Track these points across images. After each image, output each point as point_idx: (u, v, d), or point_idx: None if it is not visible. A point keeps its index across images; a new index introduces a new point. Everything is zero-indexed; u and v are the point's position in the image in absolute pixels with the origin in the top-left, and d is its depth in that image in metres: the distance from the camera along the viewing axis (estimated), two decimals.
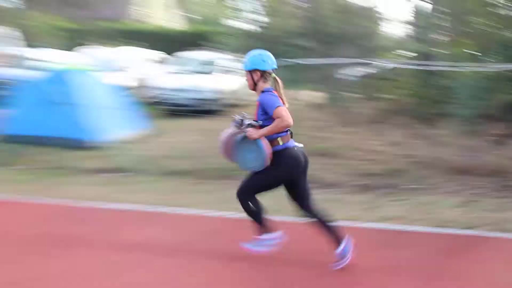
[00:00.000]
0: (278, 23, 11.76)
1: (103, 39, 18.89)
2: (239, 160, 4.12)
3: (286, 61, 7.65)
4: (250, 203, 4.19)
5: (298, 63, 8.60)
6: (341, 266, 3.99)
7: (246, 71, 4.12)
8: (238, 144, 4.06)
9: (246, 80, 4.12)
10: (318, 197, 4.84)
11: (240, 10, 12.83)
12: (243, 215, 4.28)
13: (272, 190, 4.17)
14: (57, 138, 8.63)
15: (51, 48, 15.75)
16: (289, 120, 3.88)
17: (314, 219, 4.11)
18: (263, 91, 4.05)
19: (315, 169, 6.23)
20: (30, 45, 17.50)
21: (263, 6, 12.44)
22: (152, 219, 5.72)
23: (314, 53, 10.39)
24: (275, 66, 4.15)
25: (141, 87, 13.29)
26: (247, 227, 4.34)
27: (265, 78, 4.07)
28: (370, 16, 11.90)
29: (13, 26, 17.46)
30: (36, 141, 8.87)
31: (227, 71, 12.99)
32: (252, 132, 3.93)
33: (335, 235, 4.01)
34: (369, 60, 9.82)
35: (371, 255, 4.21)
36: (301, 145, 4.20)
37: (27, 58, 14.52)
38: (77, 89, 9.29)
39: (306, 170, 4.18)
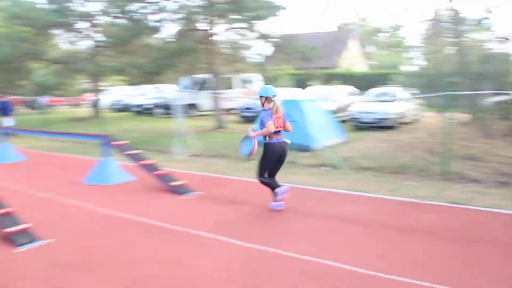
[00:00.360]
0: (435, 66, 14.22)
1: (319, 80, 24.42)
2: (239, 149, 6.64)
3: (441, 94, 9.21)
4: (265, 180, 6.57)
5: (451, 94, 9.34)
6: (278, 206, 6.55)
7: (259, 96, 6.46)
8: (242, 140, 6.60)
9: (260, 101, 6.45)
10: (467, 190, 7.61)
11: (409, 58, 16.34)
12: (410, 199, 7.01)
13: (269, 168, 6.53)
14: (292, 144, 10.18)
15: (285, 87, 21.55)
16: (271, 129, 6.12)
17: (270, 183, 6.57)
18: (263, 109, 6.34)
19: (464, 169, 8.73)
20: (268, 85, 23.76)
21: (424, 54, 15.68)
22: (348, 199, 7.26)
23: (462, 86, 12.49)
24: (275, 94, 6.34)
25: (340, 110, 16.66)
26: (411, 208, 6.56)
27: (268, 101, 6.34)
28: (505, 58, 13.43)
29: (258, 72, 22.56)
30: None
31: (399, 99, 15.90)
32: (251, 133, 6.38)
33: (275, 186, 6.55)
34: (504, 92, 11.51)
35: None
36: (288, 141, 6.55)
37: None
38: (305, 112, 11.52)
39: (283, 159, 6.51)
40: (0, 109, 18.30)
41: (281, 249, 5.11)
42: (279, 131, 6.42)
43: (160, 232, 5.90)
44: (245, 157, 6.77)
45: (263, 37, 17.39)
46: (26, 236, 5.63)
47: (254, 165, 9.78)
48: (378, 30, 61.76)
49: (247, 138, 6.54)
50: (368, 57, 46.17)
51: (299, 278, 4.41)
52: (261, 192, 7.60)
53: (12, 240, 5.53)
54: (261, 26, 17.11)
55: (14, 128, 16.59)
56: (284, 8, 16.79)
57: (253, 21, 16.52)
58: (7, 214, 5.91)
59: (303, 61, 18.08)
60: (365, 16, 63.95)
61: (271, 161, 6.50)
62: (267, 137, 6.36)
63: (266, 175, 6.63)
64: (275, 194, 6.61)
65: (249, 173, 9.32)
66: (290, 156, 9.30)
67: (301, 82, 24.93)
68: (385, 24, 61.21)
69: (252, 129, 6.48)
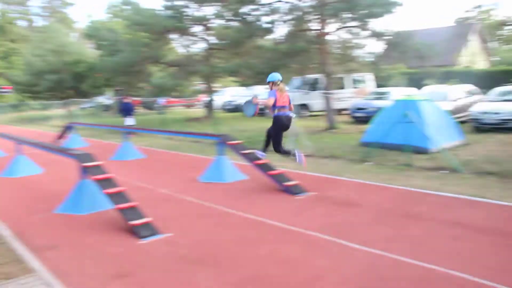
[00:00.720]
0: None
1: (436, 79, 23.26)
2: (245, 110, 8.40)
3: None
4: (282, 151, 8.25)
5: None
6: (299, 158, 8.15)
7: (268, 82, 8.13)
8: (246, 103, 8.31)
9: (269, 85, 8.08)
10: None
11: None
12: None
13: (281, 137, 8.14)
14: (405, 145, 10.08)
15: (399, 86, 20.91)
16: (270, 103, 7.83)
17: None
18: (271, 90, 8.03)
19: None
20: (379, 84, 23.08)
21: None
22: (469, 205, 6.78)
23: None
24: (280, 79, 8.04)
25: (458, 110, 15.66)
26: None
27: (274, 85, 8.00)
28: None
29: (370, 72, 21.98)
30: (386, 146, 10.86)
31: None
32: (255, 99, 8.13)
33: (289, 152, 8.29)
34: None
35: None
36: (293, 115, 8.15)
37: (378, 93, 19.88)
38: (422, 112, 11.05)
39: (287, 128, 8.08)
40: (123, 110, 19.73)
41: (398, 255, 4.92)
42: (283, 106, 8.02)
43: (275, 232, 5.96)
44: (250, 117, 8.72)
45: (376, 35, 16.91)
46: (148, 229, 5.98)
47: (369, 167, 9.91)
48: (502, 23, 57.28)
49: (251, 102, 8.27)
50: (490, 53, 43.01)
51: (418, 285, 4.22)
52: (375, 194, 7.46)
53: (136, 232, 5.90)
54: (375, 24, 16.64)
55: (135, 127, 17.75)
56: (400, 4, 16.09)
57: (366, 19, 16.10)
58: (132, 207, 6.32)
59: (419, 59, 17.28)
60: (488, 8, 59.10)
61: (280, 130, 8.18)
62: (276, 111, 7.97)
63: (282, 147, 8.35)
64: (295, 156, 8.34)
65: (363, 175, 9.17)
66: (405, 158, 9.90)
67: (416, 81, 23.79)
68: (510, 17, 56.35)
69: (256, 96, 8.35)
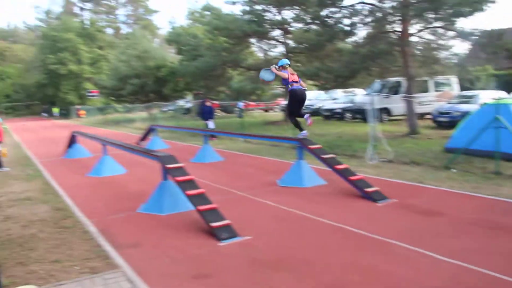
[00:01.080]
0: None
1: None
2: (262, 75, 9.20)
3: None
4: (293, 121, 9.39)
5: None
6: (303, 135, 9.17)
7: (278, 66, 9.03)
8: (265, 70, 9.24)
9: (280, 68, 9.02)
10: None
11: None
12: None
13: (295, 108, 9.20)
14: (494, 152, 9.52)
15: (485, 89, 19.82)
16: (285, 76, 8.83)
17: (300, 118, 9.27)
18: (282, 71, 8.96)
19: None
20: (464, 87, 22.00)
21: None
22: None
23: None
24: (288, 63, 9.15)
25: None
26: None
27: (284, 68, 9.01)
28: None
29: (456, 74, 21.00)
30: (472, 153, 10.43)
31: None
32: (273, 68, 8.99)
33: (299, 127, 9.37)
34: None
35: None
36: (305, 87, 9.27)
37: (464, 96, 18.97)
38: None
39: (302, 101, 9.17)
40: (204, 113, 20.23)
41: (485, 268, 4.65)
42: (295, 81, 9.03)
43: (355, 238, 5.87)
44: (265, 81, 9.48)
45: (463, 35, 16.14)
46: (228, 231, 6.09)
47: (453, 174, 9.53)
48: None
49: (270, 70, 9.17)
50: None
51: None
52: (460, 203, 7.16)
53: (215, 234, 6.02)
54: (462, 23, 15.79)
55: (215, 130, 18.14)
56: (492, 1, 15.05)
57: (453, 19, 15.38)
58: (212, 209, 6.46)
59: (510, 60, 16.27)
60: None
61: (295, 102, 9.20)
62: (289, 85, 9.01)
63: (294, 118, 9.47)
64: (301, 130, 9.52)
65: (447, 182, 8.82)
66: (493, 165, 9.43)
67: (506, 84, 22.45)
68: None
69: (275, 67, 9.11)
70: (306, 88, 9.51)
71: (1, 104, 63.29)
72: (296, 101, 9.17)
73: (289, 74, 9.00)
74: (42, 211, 7.85)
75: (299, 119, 9.49)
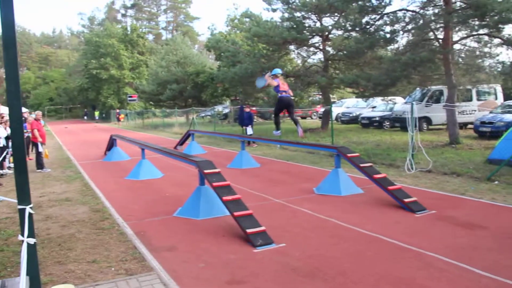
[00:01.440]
0: None
1: None
2: (257, 82, 10.32)
3: None
4: (275, 119, 10.82)
5: None
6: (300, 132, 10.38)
7: (272, 74, 10.10)
8: (259, 77, 10.20)
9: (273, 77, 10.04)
10: None
11: None
12: None
13: (280, 111, 10.44)
14: None
15: None
16: (274, 83, 9.95)
17: (294, 121, 10.38)
18: (275, 78, 10.02)
19: None
20: (509, 96, 21.25)
21: None
22: None
23: None
24: (280, 72, 10.43)
25: None
26: None
27: (276, 76, 10.06)
28: None
29: (501, 83, 20.51)
30: None
31: None
32: (266, 76, 10.05)
33: (278, 126, 10.75)
34: None
35: None
36: (292, 95, 10.38)
37: (510, 106, 18.34)
38: None
39: (289, 106, 10.13)
40: (243, 119, 20.30)
41: None
42: (284, 91, 10.04)
43: (391, 249, 5.74)
44: (260, 88, 11.13)
45: (510, 43, 15.63)
46: (263, 238, 6.07)
47: (496, 186, 9.26)
48: None
49: (262, 77, 10.19)
50: None
51: None
52: (503, 217, 6.92)
53: (250, 240, 6.00)
54: (509, 30, 15.35)
55: (253, 136, 18.16)
56: None
57: (499, 26, 14.90)
58: (248, 215, 6.45)
59: None
60: None
61: (281, 106, 10.29)
62: (278, 94, 10.15)
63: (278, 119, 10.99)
64: (277, 129, 10.95)
65: (489, 195, 8.55)
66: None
67: None
68: None
69: (268, 75, 10.11)
70: (293, 96, 10.93)
71: (44, 107, 65.46)
72: (282, 105, 10.31)
73: (280, 83, 10.11)
74: (81, 212, 8.04)
75: (292, 123, 11.00)
